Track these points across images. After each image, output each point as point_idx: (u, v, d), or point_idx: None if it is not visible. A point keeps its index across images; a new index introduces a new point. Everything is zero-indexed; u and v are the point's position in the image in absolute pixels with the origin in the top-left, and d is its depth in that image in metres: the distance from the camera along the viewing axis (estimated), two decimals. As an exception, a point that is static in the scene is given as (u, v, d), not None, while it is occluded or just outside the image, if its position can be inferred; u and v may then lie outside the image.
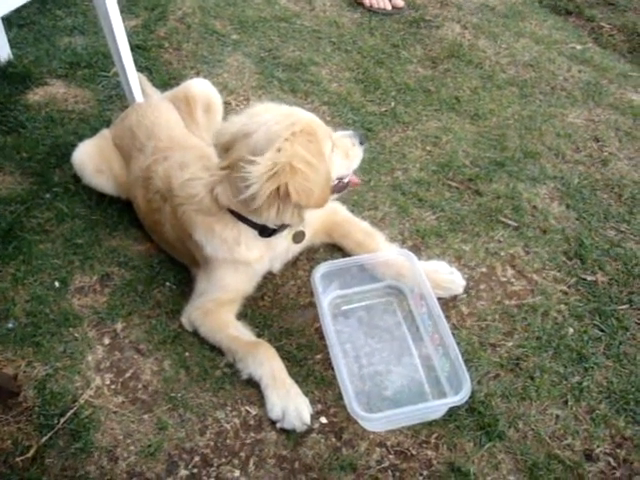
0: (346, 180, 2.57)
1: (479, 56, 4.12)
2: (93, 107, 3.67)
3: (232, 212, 2.39)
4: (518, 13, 4.55)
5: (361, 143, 2.56)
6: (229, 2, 4.52)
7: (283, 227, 2.45)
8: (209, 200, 2.40)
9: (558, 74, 4.00)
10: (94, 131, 3.32)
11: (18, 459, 2.24)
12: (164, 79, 3.83)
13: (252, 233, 2.44)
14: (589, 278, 2.80)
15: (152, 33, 4.22)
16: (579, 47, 4.27)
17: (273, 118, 2.28)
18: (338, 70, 3.97)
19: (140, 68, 3.59)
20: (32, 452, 2.26)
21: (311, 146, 2.26)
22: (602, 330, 2.61)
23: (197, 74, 3.87)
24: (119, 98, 3.70)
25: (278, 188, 2.18)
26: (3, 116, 3.54)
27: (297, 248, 2.71)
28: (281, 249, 2.60)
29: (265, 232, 2.44)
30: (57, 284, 2.78)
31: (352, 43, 4.19)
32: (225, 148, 2.36)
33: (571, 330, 2.60)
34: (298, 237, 2.56)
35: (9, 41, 3.91)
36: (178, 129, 2.97)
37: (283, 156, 2.17)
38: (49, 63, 3.96)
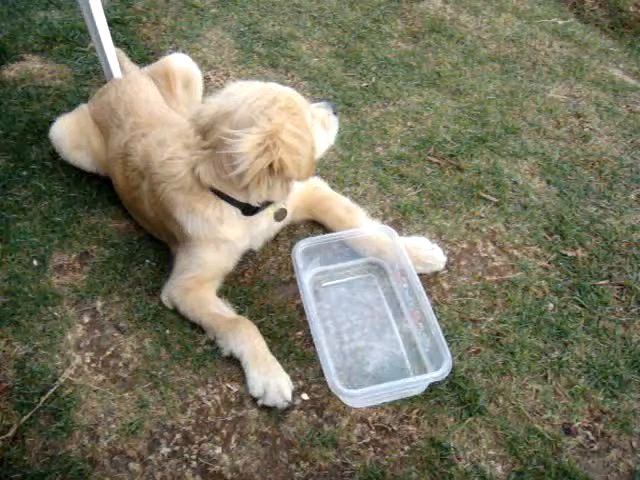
0: None
1: (460, 31, 4.12)
2: (70, 83, 3.65)
3: (214, 191, 2.37)
4: (500, -13, 4.55)
5: (335, 113, 2.57)
6: (208, -25, 4.48)
7: (266, 205, 2.44)
8: (190, 179, 2.38)
9: (540, 49, 4.02)
10: (71, 107, 3.31)
11: None
12: (142, 54, 3.80)
13: (235, 211, 2.43)
14: (569, 254, 2.83)
15: (130, 7, 4.20)
16: (561, 22, 4.29)
17: (252, 95, 2.26)
18: (319, 45, 3.96)
19: (118, 43, 3.57)
20: (12, 432, 2.27)
21: (296, 118, 2.27)
22: (582, 305, 2.64)
23: (176, 49, 3.85)
24: (96, 74, 3.68)
25: (270, 164, 2.18)
26: (-23, 92, 3.51)
27: (278, 226, 2.71)
28: (263, 227, 2.60)
29: (248, 210, 2.43)
30: (36, 262, 2.77)
31: (332, 17, 4.18)
32: (204, 130, 2.33)
33: (551, 305, 2.64)
34: (280, 215, 2.56)
35: (-18, 16, 3.87)
36: (157, 105, 2.95)
37: (271, 131, 2.16)
38: (24, 38, 3.92)
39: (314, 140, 2.38)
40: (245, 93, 2.27)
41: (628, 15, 4.33)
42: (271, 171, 2.21)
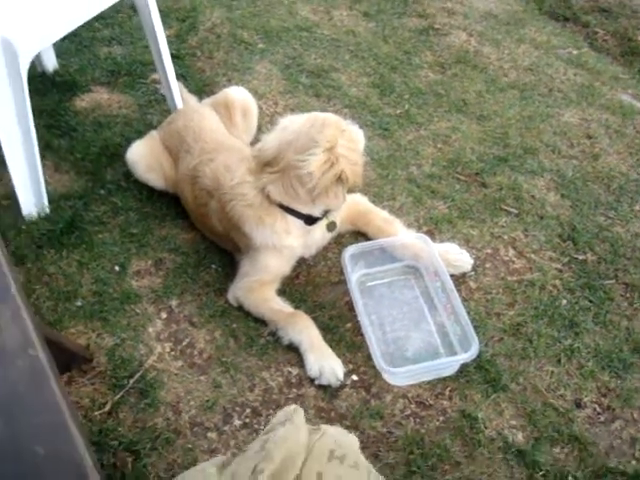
0: None
1: (484, 61, 4.48)
2: (135, 111, 4.00)
3: (282, 206, 2.76)
4: (519, 20, 4.92)
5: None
6: (254, 13, 4.86)
7: (324, 214, 2.82)
8: (260, 198, 2.77)
9: (555, 77, 4.37)
10: (138, 133, 3.66)
11: (96, 413, 2.56)
12: (198, 86, 4.16)
13: (298, 223, 2.80)
14: (580, 257, 3.17)
15: (184, 43, 4.55)
16: (575, 52, 4.63)
17: (305, 123, 2.70)
18: (356, 75, 4.32)
19: (176, 76, 3.84)
20: (108, 407, 2.58)
21: (345, 134, 2.71)
22: (591, 301, 2.98)
23: (229, 81, 4.21)
24: (158, 103, 4.03)
25: (337, 176, 2.62)
26: (55, 121, 3.85)
27: (329, 236, 3.04)
28: (317, 237, 2.95)
29: (310, 221, 2.81)
30: (117, 268, 3.09)
31: (368, 50, 4.54)
32: (269, 161, 2.73)
33: (564, 301, 2.98)
34: (331, 226, 2.92)
35: (55, 51, 4.23)
36: (220, 132, 3.32)
37: (330, 148, 2.61)
38: (92, 71, 4.27)
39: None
40: (298, 124, 2.71)
41: (637, 44, 4.68)
42: (336, 182, 2.65)
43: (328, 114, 2.81)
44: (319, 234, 2.95)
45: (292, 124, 2.74)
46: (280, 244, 2.83)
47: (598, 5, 5.12)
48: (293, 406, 1.83)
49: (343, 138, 2.68)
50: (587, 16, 5.02)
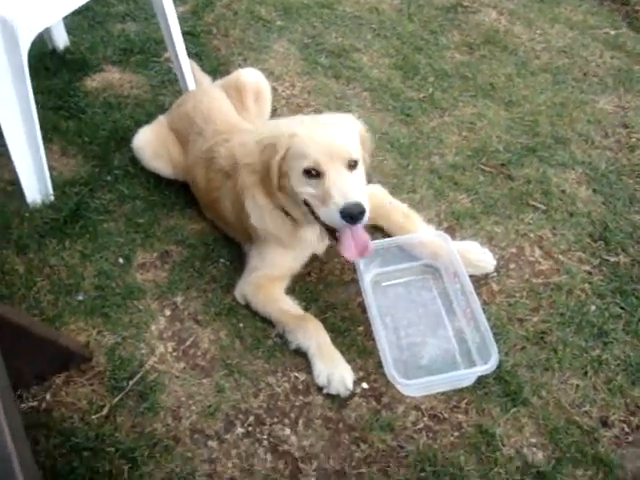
0: None
1: (514, 42, 4.27)
2: (147, 92, 3.89)
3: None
4: (554, -2, 4.69)
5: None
6: (273, -12, 4.71)
7: None
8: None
9: (591, 60, 4.14)
10: (149, 116, 3.57)
11: (93, 417, 2.47)
12: (213, 65, 4.04)
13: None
14: (612, 259, 2.97)
15: (200, 20, 4.43)
16: (612, 32, 4.39)
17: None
18: (378, 56, 4.15)
19: (190, 54, 3.77)
20: (105, 411, 2.50)
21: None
22: (622, 308, 2.79)
23: (244, 60, 4.09)
24: (171, 83, 3.91)
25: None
26: (64, 102, 3.77)
27: None
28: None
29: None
30: (121, 260, 3.00)
31: (392, 29, 4.36)
32: None
33: (593, 307, 2.79)
34: None
35: (65, 28, 4.12)
36: (231, 115, 3.20)
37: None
38: (104, 50, 4.18)
39: None
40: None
41: (681, 24, 4.42)
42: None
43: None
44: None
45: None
46: (292, 236, 2.74)
47: (639, -19, 4.85)
48: None
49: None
50: (627, -7, 4.75)
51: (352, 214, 2.36)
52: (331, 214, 2.41)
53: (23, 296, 2.84)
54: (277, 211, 2.70)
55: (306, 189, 2.49)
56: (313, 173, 2.46)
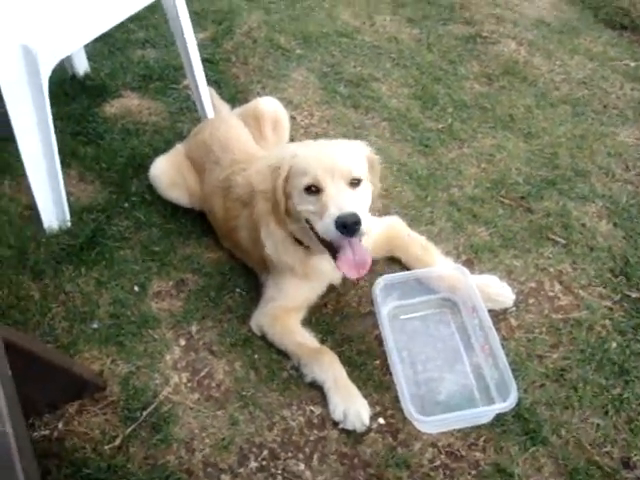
0: None
1: (534, 73, 4.25)
2: (165, 119, 3.90)
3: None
4: (573, 29, 4.67)
5: None
6: (292, 17, 4.73)
7: None
8: None
9: (611, 92, 4.11)
10: (167, 143, 3.58)
11: (106, 447, 2.45)
12: (232, 93, 4.05)
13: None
14: (633, 295, 2.92)
15: (220, 47, 4.46)
16: (633, 64, 4.37)
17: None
18: (397, 86, 4.14)
19: (209, 81, 3.78)
20: (118, 441, 2.47)
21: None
22: (644, 345, 2.74)
23: (263, 89, 4.09)
24: (189, 110, 3.92)
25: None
26: (83, 128, 3.79)
27: None
28: None
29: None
30: (137, 288, 2.99)
31: (411, 59, 4.36)
32: None
33: (614, 344, 2.73)
34: None
35: (86, 54, 4.15)
36: (249, 144, 3.19)
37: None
38: (124, 76, 4.21)
39: None
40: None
41: (701, 57, 4.39)
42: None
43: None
44: None
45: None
46: (308, 267, 2.72)
47: (658, 13, 4.84)
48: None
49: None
50: (646, 25, 4.73)
51: (346, 223, 2.32)
52: (326, 226, 2.38)
53: (38, 322, 2.83)
54: (290, 239, 2.68)
55: (307, 206, 2.48)
56: (313, 189, 2.45)
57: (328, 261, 2.63)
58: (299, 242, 2.68)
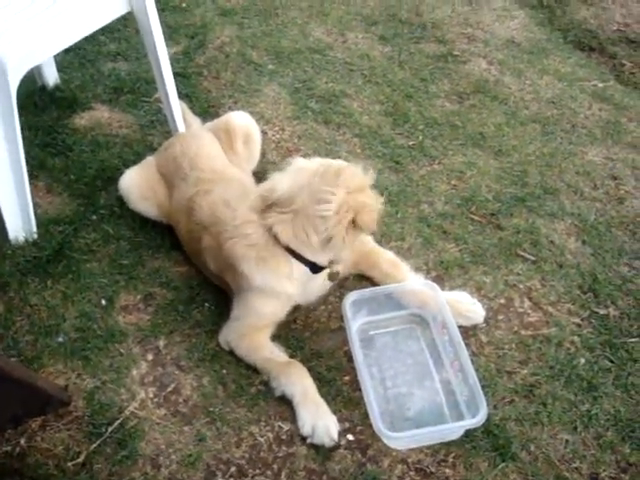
0: None
1: (504, 92, 4.27)
2: (136, 132, 3.87)
3: (288, 250, 2.58)
4: (543, 50, 4.70)
5: None
6: (265, 32, 4.71)
7: (330, 264, 2.66)
8: (265, 238, 2.59)
9: (579, 112, 4.14)
10: (137, 156, 3.54)
11: (69, 464, 2.40)
12: (203, 107, 4.02)
13: (302, 269, 2.62)
14: (602, 312, 2.94)
15: (192, 61, 4.43)
16: (600, 84, 4.40)
17: (319, 168, 2.56)
18: (369, 103, 4.14)
19: (180, 95, 3.75)
20: (82, 458, 2.42)
21: (360, 181, 2.56)
22: (612, 361, 2.74)
23: (235, 103, 4.07)
24: (160, 124, 3.89)
25: (352, 222, 2.47)
26: (52, 139, 3.74)
27: (329, 284, 2.87)
28: (317, 285, 2.79)
29: (315, 269, 2.64)
30: (104, 302, 2.94)
31: (382, 76, 4.36)
32: (276, 203, 2.57)
33: (582, 360, 2.74)
34: (333, 276, 2.75)
35: (56, 65, 4.11)
36: (219, 160, 3.17)
37: (349, 194, 2.47)
38: (94, 88, 4.16)
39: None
40: (313, 167, 2.57)
41: (668, 79, 4.45)
42: (352, 229, 2.50)
43: (340, 161, 2.68)
44: (320, 283, 2.79)
45: (306, 167, 2.60)
46: (280, 289, 2.67)
47: (626, 35, 4.90)
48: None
49: (359, 185, 2.54)
50: (614, 47, 4.80)
51: None
52: None
53: (1, 336, 2.78)
54: (297, 267, 2.66)
55: None
56: None
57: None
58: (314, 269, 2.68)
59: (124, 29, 4.66)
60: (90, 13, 3.05)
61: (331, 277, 2.75)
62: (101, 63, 4.40)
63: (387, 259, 2.99)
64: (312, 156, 3.28)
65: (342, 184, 2.48)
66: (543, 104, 4.20)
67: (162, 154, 3.28)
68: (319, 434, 2.45)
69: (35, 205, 3.19)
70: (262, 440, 2.51)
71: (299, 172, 2.57)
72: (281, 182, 2.58)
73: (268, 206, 2.59)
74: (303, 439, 2.49)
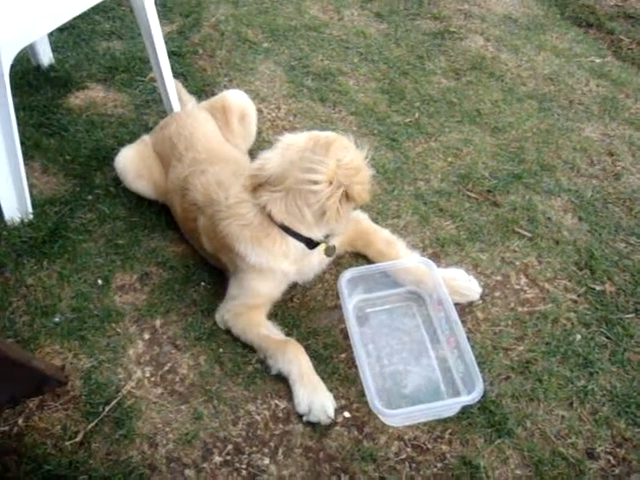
0: None
1: (501, 68, 4.26)
2: (131, 111, 3.85)
3: (283, 227, 2.57)
4: (540, 26, 4.69)
5: None
6: (261, 10, 4.69)
7: (326, 238, 2.65)
8: (259, 218, 2.59)
9: (576, 88, 4.14)
10: (132, 135, 3.53)
11: (67, 443, 2.41)
12: (198, 85, 4.00)
13: (298, 246, 2.62)
14: (598, 288, 2.94)
15: (187, 39, 4.40)
16: (598, 60, 4.40)
17: (308, 142, 2.54)
18: (365, 80, 4.13)
19: (176, 74, 3.74)
20: (80, 437, 2.43)
21: (351, 152, 2.54)
22: (608, 337, 2.75)
23: (230, 81, 4.06)
24: (155, 103, 3.87)
25: (345, 194, 2.47)
26: (47, 119, 3.72)
27: (327, 261, 2.88)
28: (315, 262, 2.78)
29: (311, 244, 2.63)
30: (100, 282, 2.94)
31: (378, 53, 4.35)
32: (268, 181, 2.56)
33: (579, 337, 2.75)
34: (330, 251, 2.74)
35: (51, 45, 4.09)
36: (215, 140, 3.16)
37: (339, 166, 2.46)
38: (89, 67, 4.14)
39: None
40: (301, 142, 2.54)
41: (665, 54, 4.42)
42: (345, 201, 2.49)
43: (328, 133, 2.64)
44: (316, 259, 2.79)
45: (295, 143, 2.58)
46: (276, 267, 2.66)
47: (624, 11, 4.89)
48: None
49: (349, 156, 2.52)
50: (612, 22, 4.79)
51: None
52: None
53: (-3, 317, 2.78)
54: (293, 244, 2.65)
55: None
56: None
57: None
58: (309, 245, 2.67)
59: (118, 8, 4.64)
60: (84, -10, 3.02)
61: (327, 252, 2.74)
62: (96, 42, 4.37)
63: (382, 237, 2.98)
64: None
65: (332, 155, 2.47)
66: (540, 80, 4.19)
67: (158, 133, 3.27)
68: (315, 412, 2.46)
69: (30, 186, 3.18)
70: (259, 418, 2.51)
71: (288, 148, 2.56)
72: (271, 160, 2.57)
73: (260, 185, 2.58)
74: (300, 417, 2.50)
